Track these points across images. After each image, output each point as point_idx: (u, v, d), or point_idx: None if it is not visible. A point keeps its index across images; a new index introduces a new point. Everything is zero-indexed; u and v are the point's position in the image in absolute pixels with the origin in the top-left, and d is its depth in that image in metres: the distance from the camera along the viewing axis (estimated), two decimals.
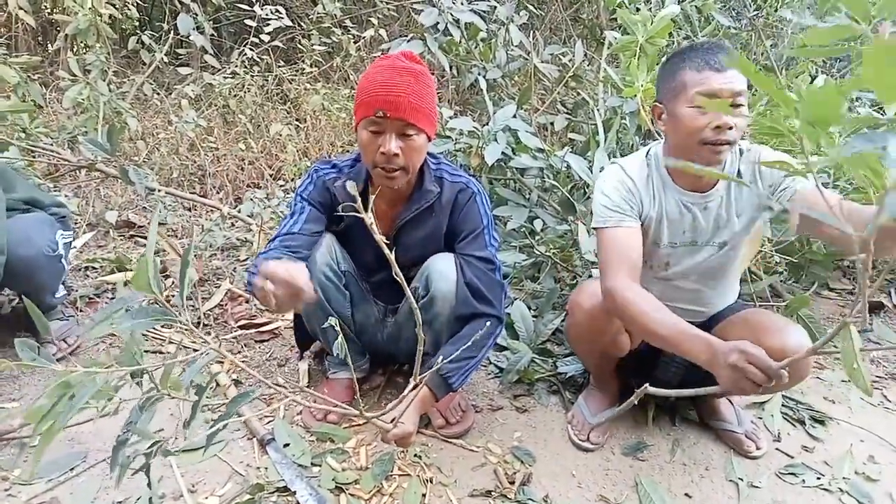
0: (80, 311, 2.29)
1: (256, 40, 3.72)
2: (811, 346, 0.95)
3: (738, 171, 1.56)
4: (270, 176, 3.56)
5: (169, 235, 2.81)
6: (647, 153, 1.64)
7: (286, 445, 1.66)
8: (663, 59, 1.60)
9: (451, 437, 1.75)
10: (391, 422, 1.35)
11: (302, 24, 4.27)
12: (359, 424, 1.78)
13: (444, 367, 1.58)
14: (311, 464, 1.60)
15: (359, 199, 0.84)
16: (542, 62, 3.08)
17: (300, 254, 1.60)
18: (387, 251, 0.95)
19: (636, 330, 1.53)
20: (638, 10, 2.69)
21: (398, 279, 1.03)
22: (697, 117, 1.42)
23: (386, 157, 1.50)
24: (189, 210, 3.24)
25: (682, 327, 1.34)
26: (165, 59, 3.62)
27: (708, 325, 1.69)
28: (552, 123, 3.01)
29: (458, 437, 1.75)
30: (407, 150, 1.51)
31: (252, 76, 3.87)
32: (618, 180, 1.59)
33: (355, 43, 3.98)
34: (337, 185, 1.66)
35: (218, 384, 1.91)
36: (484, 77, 2.95)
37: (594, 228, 1.62)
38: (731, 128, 1.40)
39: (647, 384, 0.97)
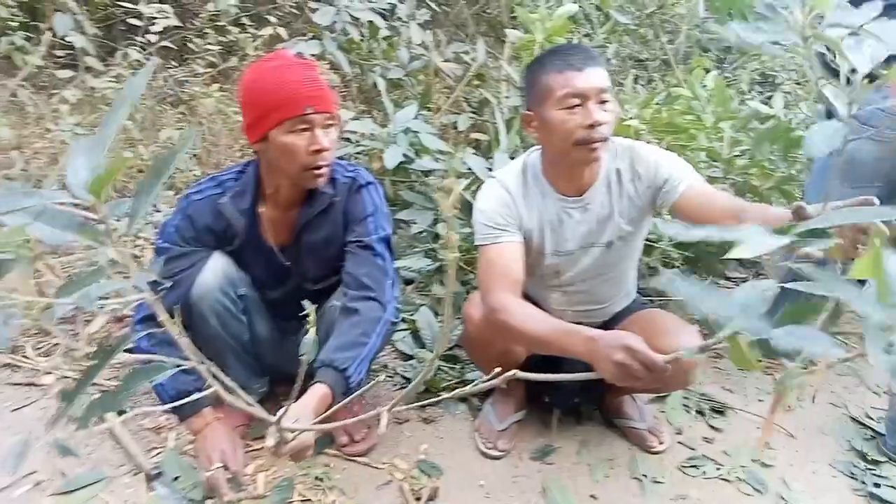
0: None
1: (143, 40, 3.49)
2: (692, 346, 0.94)
3: (617, 169, 1.57)
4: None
5: (47, 254, 2.58)
6: (525, 163, 1.62)
7: (176, 479, 1.54)
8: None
9: (356, 455, 1.68)
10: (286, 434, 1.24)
11: (195, 22, 4.05)
12: (256, 449, 1.69)
13: (337, 358, 1.44)
14: (205, 497, 1.50)
15: None
16: (445, 61, 3.04)
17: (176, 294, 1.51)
18: None
19: (519, 341, 1.51)
20: (538, 7, 2.69)
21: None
22: (567, 118, 1.41)
23: (319, 155, 1.43)
24: None
25: (559, 326, 1.34)
26: (42, 63, 3.33)
27: (607, 326, 1.69)
28: (455, 124, 2.98)
29: (363, 455, 1.68)
30: (331, 143, 1.46)
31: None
32: (493, 195, 1.57)
33: (253, 42, 3.80)
34: (222, 203, 1.56)
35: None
36: (384, 77, 2.88)
37: (475, 246, 1.59)
38: (602, 124, 1.40)
39: (515, 371, 0.93)
